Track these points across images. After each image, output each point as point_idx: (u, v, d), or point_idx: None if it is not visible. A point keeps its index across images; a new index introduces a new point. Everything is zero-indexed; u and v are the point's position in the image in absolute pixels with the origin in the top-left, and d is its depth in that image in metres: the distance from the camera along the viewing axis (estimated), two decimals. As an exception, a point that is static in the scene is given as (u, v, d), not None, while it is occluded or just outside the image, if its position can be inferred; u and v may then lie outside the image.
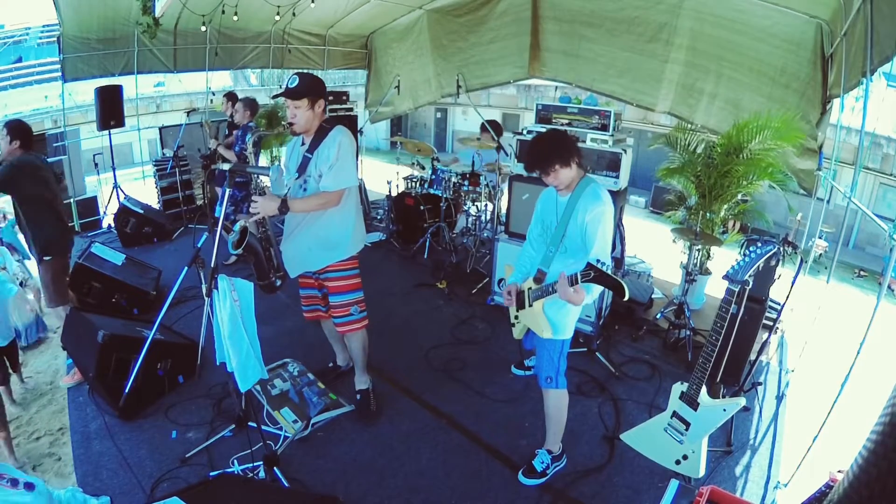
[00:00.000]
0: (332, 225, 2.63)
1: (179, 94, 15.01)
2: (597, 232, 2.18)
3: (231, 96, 5.31)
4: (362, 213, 2.82)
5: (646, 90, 5.48)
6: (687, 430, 2.33)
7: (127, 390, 2.82)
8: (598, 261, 1.94)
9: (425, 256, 5.43)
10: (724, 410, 2.26)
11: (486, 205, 5.59)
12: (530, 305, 2.39)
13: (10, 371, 3.21)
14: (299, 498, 2.27)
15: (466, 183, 5.34)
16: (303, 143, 2.63)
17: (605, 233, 2.20)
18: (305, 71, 2.79)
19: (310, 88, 2.48)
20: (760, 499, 2.60)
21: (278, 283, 2.69)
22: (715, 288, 4.48)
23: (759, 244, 2.19)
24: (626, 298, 1.93)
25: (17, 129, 3.23)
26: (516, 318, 2.57)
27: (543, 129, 3.84)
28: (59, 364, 3.60)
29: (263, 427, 2.76)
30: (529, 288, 2.40)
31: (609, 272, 1.92)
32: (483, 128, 5.25)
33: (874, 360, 2.97)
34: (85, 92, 8.21)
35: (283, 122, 7.12)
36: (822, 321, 3.81)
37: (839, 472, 2.10)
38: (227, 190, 2.72)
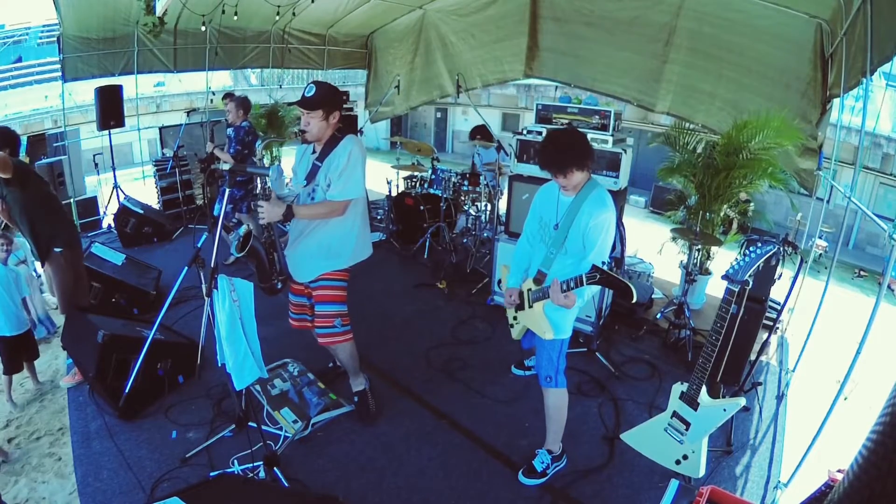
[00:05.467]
0: (334, 234, 2.62)
1: (179, 94, 15.00)
2: (598, 239, 2.18)
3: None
4: (368, 224, 2.80)
5: (646, 90, 5.47)
6: (687, 430, 2.33)
7: (127, 390, 2.82)
8: (603, 262, 1.93)
9: (425, 256, 5.43)
10: (724, 410, 2.26)
11: (486, 205, 5.60)
12: (530, 307, 2.39)
13: (24, 364, 3.22)
14: (299, 498, 2.27)
15: (466, 183, 5.34)
16: (313, 151, 2.61)
17: (606, 240, 2.21)
18: (322, 80, 2.76)
19: (326, 100, 2.46)
20: (760, 499, 2.60)
21: (279, 285, 2.68)
22: (715, 288, 4.48)
23: (759, 244, 2.19)
24: (635, 301, 1.92)
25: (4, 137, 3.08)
26: (515, 318, 2.57)
27: (543, 130, 3.85)
28: (59, 364, 3.60)
29: (263, 427, 2.76)
30: (529, 289, 2.39)
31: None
32: (472, 135, 5.63)
33: (874, 360, 2.97)
34: (85, 92, 8.23)
35: (290, 128, 7.12)
36: (822, 321, 3.81)
37: (839, 472, 2.10)
38: (227, 189, 2.72)
